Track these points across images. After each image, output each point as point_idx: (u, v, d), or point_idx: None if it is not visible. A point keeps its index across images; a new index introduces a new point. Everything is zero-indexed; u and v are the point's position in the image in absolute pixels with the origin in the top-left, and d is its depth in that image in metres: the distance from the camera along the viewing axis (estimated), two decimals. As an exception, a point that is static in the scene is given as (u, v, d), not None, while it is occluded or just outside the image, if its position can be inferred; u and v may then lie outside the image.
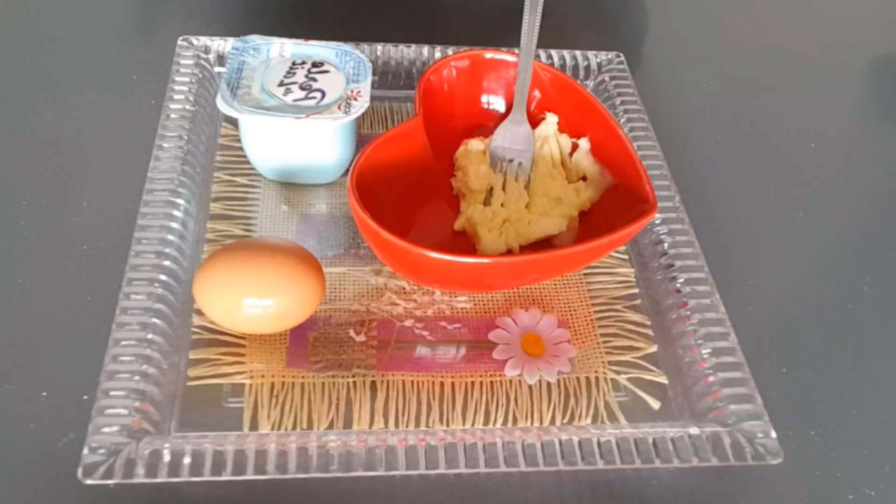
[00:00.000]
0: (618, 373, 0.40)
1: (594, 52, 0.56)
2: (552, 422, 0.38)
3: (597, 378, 0.40)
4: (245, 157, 0.47)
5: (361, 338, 0.40)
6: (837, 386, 0.42)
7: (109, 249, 0.43)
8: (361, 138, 0.49)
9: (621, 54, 0.56)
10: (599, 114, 0.46)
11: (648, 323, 0.43)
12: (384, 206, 0.41)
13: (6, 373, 0.37)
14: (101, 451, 0.33)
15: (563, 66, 0.55)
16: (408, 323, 0.41)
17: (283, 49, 0.46)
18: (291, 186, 0.47)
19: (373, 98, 0.48)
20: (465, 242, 0.45)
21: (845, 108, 0.62)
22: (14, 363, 0.38)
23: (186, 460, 0.33)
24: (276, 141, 0.44)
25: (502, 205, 0.45)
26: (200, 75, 0.50)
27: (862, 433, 0.40)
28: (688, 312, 0.41)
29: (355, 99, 0.44)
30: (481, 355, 0.40)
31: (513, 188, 0.46)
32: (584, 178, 0.47)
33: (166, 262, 0.40)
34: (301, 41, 0.47)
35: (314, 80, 0.45)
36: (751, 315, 0.44)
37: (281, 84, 0.44)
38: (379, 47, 0.54)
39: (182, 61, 0.50)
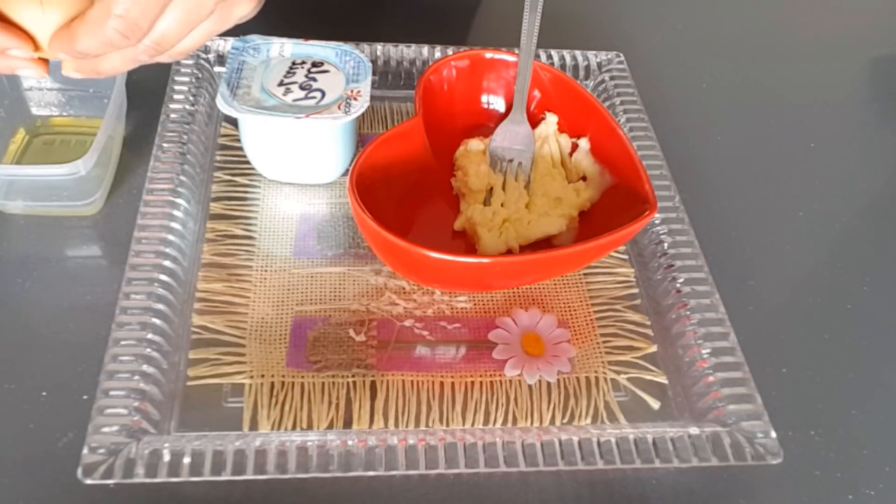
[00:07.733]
0: (618, 373, 0.40)
1: (594, 52, 0.56)
2: (552, 422, 0.38)
3: (597, 378, 0.40)
4: (245, 157, 0.47)
5: (361, 337, 0.40)
6: (837, 386, 0.42)
7: (109, 250, 0.43)
8: (361, 138, 0.49)
9: (621, 54, 0.56)
10: (599, 114, 0.46)
11: (648, 323, 0.43)
12: (384, 206, 0.41)
13: (6, 373, 0.37)
14: (101, 450, 0.33)
15: (563, 66, 0.55)
16: (408, 323, 0.41)
17: (283, 49, 0.46)
18: (291, 186, 0.47)
19: (373, 98, 0.48)
20: (465, 242, 0.45)
21: (845, 108, 0.62)
22: (14, 363, 0.38)
23: (186, 460, 0.33)
24: (276, 141, 0.44)
25: (502, 205, 0.45)
26: (200, 75, 0.50)
27: (862, 433, 0.40)
28: (688, 312, 0.41)
29: (355, 99, 0.44)
30: (481, 355, 0.40)
31: (513, 188, 0.46)
32: (584, 178, 0.47)
33: (166, 262, 0.39)
34: (301, 41, 0.47)
35: (314, 79, 0.45)
36: (751, 315, 0.44)
37: (281, 84, 0.44)
38: (379, 47, 0.54)
39: (182, 61, 0.50)
